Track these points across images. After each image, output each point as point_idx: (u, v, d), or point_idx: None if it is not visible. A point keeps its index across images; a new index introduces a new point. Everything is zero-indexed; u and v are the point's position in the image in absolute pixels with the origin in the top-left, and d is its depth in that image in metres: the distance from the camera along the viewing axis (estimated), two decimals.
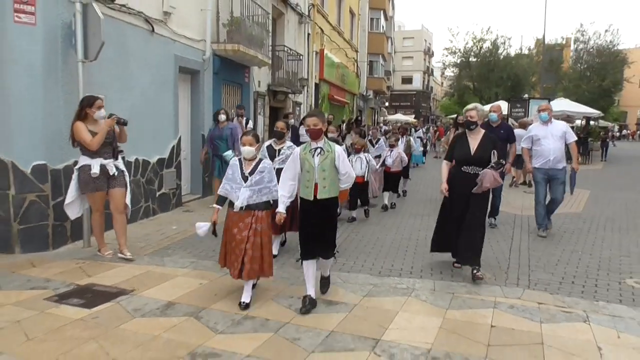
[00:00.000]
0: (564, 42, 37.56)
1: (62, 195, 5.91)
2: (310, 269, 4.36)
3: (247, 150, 4.34)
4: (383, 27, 35.62)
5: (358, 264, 5.87)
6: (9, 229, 5.73)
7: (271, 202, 4.46)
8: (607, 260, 6.12)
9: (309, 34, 17.58)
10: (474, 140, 5.20)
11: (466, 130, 5.33)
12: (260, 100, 13.27)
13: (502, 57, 34.01)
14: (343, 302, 4.53)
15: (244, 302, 4.28)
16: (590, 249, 6.67)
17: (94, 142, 5.36)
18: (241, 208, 4.28)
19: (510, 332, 3.95)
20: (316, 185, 4.21)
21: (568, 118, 20.59)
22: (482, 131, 5.31)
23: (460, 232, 5.20)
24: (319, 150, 4.23)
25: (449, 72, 38.72)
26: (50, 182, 5.92)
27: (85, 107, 5.39)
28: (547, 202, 7.36)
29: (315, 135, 4.24)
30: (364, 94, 31.87)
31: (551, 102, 21.21)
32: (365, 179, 8.09)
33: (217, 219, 4.37)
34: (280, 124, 6.07)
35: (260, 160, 4.47)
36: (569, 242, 6.95)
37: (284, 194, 4.28)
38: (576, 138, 7.50)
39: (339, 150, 4.32)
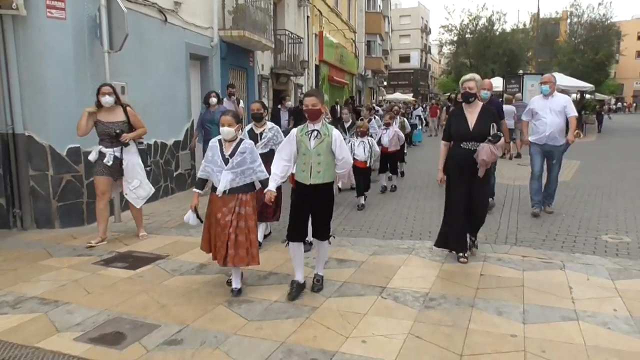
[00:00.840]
0: (559, 16, 37.81)
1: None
2: (298, 252, 4.23)
3: (226, 130, 4.09)
4: (380, 6, 35.88)
5: (364, 230, 6.53)
6: (49, 206, 6.37)
7: (255, 184, 4.28)
8: (587, 221, 6.79)
9: (308, 17, 18.05)
10: (472, 114, 4.89)
11: (463, 103, 5.03)
12: (264, 83, 13.84)
13: (497, 33, 34.36)
14: (352, 260, 5.19)
15: (235, 289, 4.21)
16: (573, 212, 7.33)
17: (78, 128, 5.61)
18: (224, 192, 4.07)
19: (496, 279, 4.61)
20: (311, 169, 4.04)
21: (562, 92, 21.11)
22: (480, 104, 5.00)
23: (467, 216, 5.00)
24: (315, 132, 4.04)
25: (446, 50, 39.02)
26: (83, 163, 6.55)
27: (97, 95, 5.61)
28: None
29: (313, 115, 4.03)
30: (363, 74, 32.31)
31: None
32: (369, 165, 7.81)
33: (197, 203, 4.24)
34: (255, 105, 5.65)
35: (241, 140, 4.21)
36: (554, 207, 7.60)
37: (277, 172, 4.10)
38: (576, 113, 7.15)
39: (337, 133, 4.11)
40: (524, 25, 38.47)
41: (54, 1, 6.10)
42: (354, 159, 7.06)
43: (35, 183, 6.35)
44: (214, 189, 4.17)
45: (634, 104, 67.42)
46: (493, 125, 4.78)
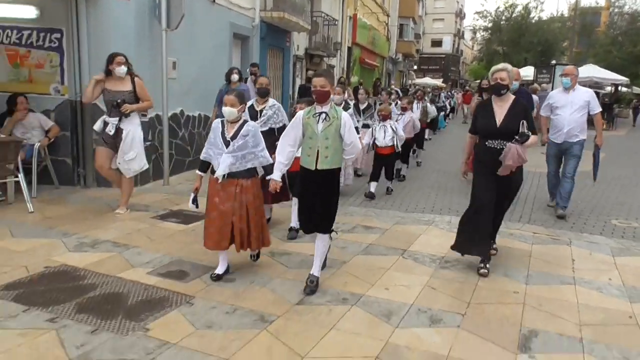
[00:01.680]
0: (601, 5, 37.12)
1: (148, 142, 7.27)
2: (317, 243, 4.03)
3: (228, 111, 3.92)
4: None
5: (388, 204, 7.13)
6: None
7: (257, 169, 4.10)
8: (601, 207, 7.26)
9: (343, 0, 18.45)
10: (501, 109, 4.37)
11: (492, 96, 4.53)
12: (299, 63, 14.43)
13: (533, 21, 34.00)
14: (377, 227, 5.81)
15: (215, 275, 4.10)
16: (589, 199, 7.78)
17: (84, 95, 5.70)
18: (223, 176, 3.92)
19: (507, 249, 5.18)
20: (318, 153, 3.81)
21: (596, 85, 21.13)
22: (512, 97, 4.47)
23: (490, 214, 4.51)
24: (323, 115, 3.81)
25: (479, 36, 38.78)
26: None
27: (108, 64, 5.57)
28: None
29: (321, 97, 3.81)
30: (394, 57, 32.51)
31: (579, 69, 21.74)
32: (395, 150, 7.35)
33: (199, 186, 4.10)
34: (264, 80, 5.44)
35: (245, 122, 4.04)
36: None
37: (282, 160, 3.91)
38: (600, 109, 6.51)
39: (346, 116, 3.87)
40: (562, 14, 37.96)
41: None
42: (375, 144, 7.30)
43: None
44: (213, 171, 4.01)
45: None
46: (523, 123, 4.21)
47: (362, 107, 8.43)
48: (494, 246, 4.93)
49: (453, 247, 4.63)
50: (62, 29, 6.80)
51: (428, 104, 11.80)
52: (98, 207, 6.19)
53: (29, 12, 6.54)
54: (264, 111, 5.24)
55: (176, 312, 3.51)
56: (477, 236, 4.46)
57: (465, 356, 3.10)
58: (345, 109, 6.52)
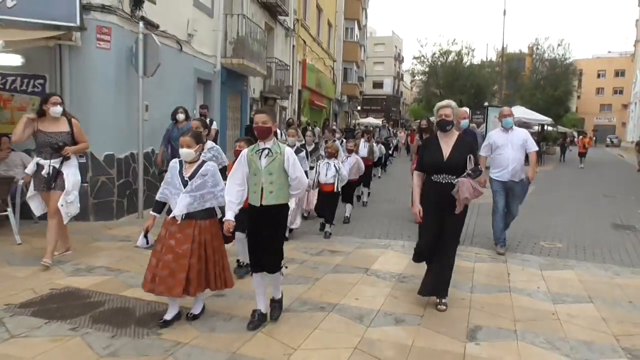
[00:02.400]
0: (526, 51, 40.65)
1: (123, 178, 7.80)
2: (260, 282, 4.06)
3: (185, 152, 3.88)
4: (357, 36, 37.91)
5: (348, 231, 7.91)
6: (87, 203, 7.56)
7: (216, 209, 4.04)
8: (531, 230, 8.33)
9: (293, 46, 19.64)
10: (447, 144, 4.45)
11: (438, 132, 4.59)
12: (255, 105, 15.26)
13: (466, 66, 36.76)
14: (342, 251, 6.57)
15: (191, 314, 4.10)
16: (521, 224, 8.84)
17: (14, 135, 5.41)
18: (181, 217, 3.84)
19: (455, 267, 6.03)
20: (262, 190, 3.83)
21: (525, 124, 23.13)
22: (456, 133, 4.58)
23: (433, 258, 4.64)
24: (266, 151, 3.85)
25: (418, 79, 41.32)
26: (116, 167, 7.78)
27: (42, 104, 5.35)
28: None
29: (262, 133, 3.85)
30: (339, 98, 34.04)
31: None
32: (336, 189, 7.25)
33: (151, 225, 3.96)
34: (195, 123, 5.46)
35: (204, 162, 4.01)
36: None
37: (232, 199, 3.86)
38: (537, 148, 6.90)
39: (289, 152, 3.91)
40: (492, 60, 41.17)
41: (103, 35, 7.41)
42: (319, 182, 7.27)
43: None
44: (169, 212, 3.91)
45: (594, 138, 71.32)
46: (470, 158, 4.33)
47: (309, 149, 7.94)
48: (444, 300, 4.64)
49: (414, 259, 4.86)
50: (46, 76, 7.33)
51: (374, 144, 11.80)
52: (82, 239, 6.60)
53: (15, 60, 7.02)
54: (202, 154, 5.01)
55: (181, 321, 4.09)
56: (428, 273, 4.74)
57: (425, 345, 3.86)
58: (298, 152, 6.27)
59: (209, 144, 5.38)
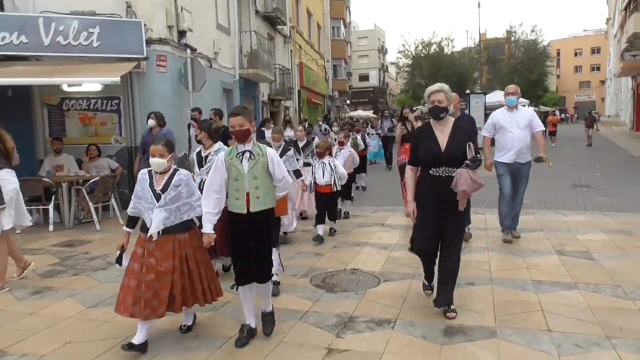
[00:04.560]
0: (504, 37, 43.02)
1: None
2: (248, 295, 3.70)
3: (156, 162, 3.54)
4: (343, 34, 40.03)
5: (362, 203, 10.00)
6: None
7: (194, 220, 3.73)
8: None
9: (291, 51, 21.71)
10: (443, 133, 3.95)
11: (431, 120, 4.09)
12: (265, 107, 17.33)
13: (447, 56, 39.05)
14: (361, 215, 8.65)
15: (185, 326, 3.87)
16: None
17: None
18: (158, 233, 3.51)
19: None
20: (248, 195, 3.51)
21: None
22: (451, 120, 4.07)
23: (438, 260, 4.14)
24: (248, 154, 3.52)
25: (403, 71, 43.59)
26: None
27: None
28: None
29: (240, 137, 3.51)
30: (331, 94, 36.15)
31: (488, 95, 26.07)
32: (334, 189, 6.82)
33: (126, 243, 3.66)
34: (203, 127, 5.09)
35: (175, 171, 3.65)
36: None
37: (209, 210, 3.53)
38: (543, 127, 6.54)
39: (271, 152, 3.65)
40: (474, 44, 43.46)
41: (161, 61, 9.46)
42: (315, 184, 6.89)
43: None
44: (143, 228, 3.60)
45: (576, 115, 73.83)
46: (469, 146, 3.86)
47: (300, 144, 7.79)
48: (452, 307, 4.10)
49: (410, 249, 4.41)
50: (120, 97, 9.36)
51: (358, 136, 11.24)
52: None
53: (96, 87, 9.04)
54: (210, 157, 4.86)
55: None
56: (423, 264, 4.34)
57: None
58: (286, 151, 6.14)
59: (217, 146, 4.97)
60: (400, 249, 6.22)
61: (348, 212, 8.40)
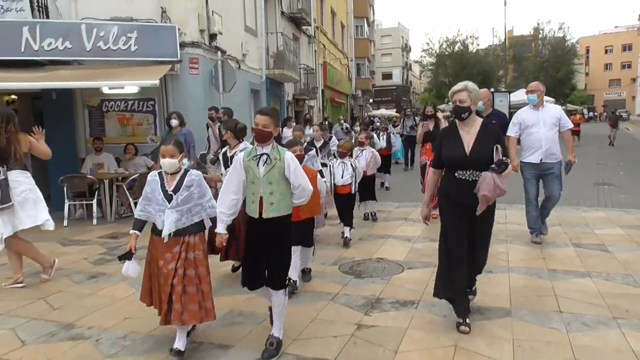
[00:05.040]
0: (530, 35, 42.66)
1: None
2: (262, 293, 3.64)
3: (167, 163, 3.51)
4: (366, 32, 40.29)
5: (385, 199, 10.33)
6: None
7: (205, 222, 3.67)
8: None
9: (315, 51, 22.11)
10: (469, 134, 3.78)
11: (456, 121, 3.93)
12: (290, 106, 17.77)
13: (472, 54, 38.96)
14: (385, 210, 8.99)
15: (176, 349, 3.45)
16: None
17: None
18: (169, 235, 3.46)
19: None
20: (261, 200, 3.43)
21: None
22: (479, 120, 3.88)
23: (466, 266, 3.84)
24: (265, 157, 3.43)
25: (427, 71, 43.63)
26: (207, 164, 10.30)
27: None
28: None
29: (261, 137, 3.42)
30: (354, 93, 36.45)
31: (513, 93, 25.99)
32: (353, 190, 6.58)
33: (134, 246, 3.61)
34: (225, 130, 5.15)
35: (187, 172, 3.60)
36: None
37: (224, 210, 3.49)
38: (572, 125, 6.18)
39: (289, 157, 3.50)
40: (499, 41, 43.21)
41: (193, 64, 9.95)
42: (333, 184, 6.59)
43: None
44: (155, 230, 3.56)
45: (605, 113, 72.34)
46: (497, 148, 3.66)
47: (317, 144, 7.68)
48: (473, 288, 4.25)
49: (435, 295, 3.98)
50: (155, 98, 9.89)
51: (374, 135, 10.76)
52: None
53: (134, 89, 9.56)
54: (235, 157, 4.57)
55: None
56: (454, 287, 3.82)
57: None
58: (307, 150, 5.81)
59: (242, 145, 4.94)
60: (423, 241, 6.57)
61: (375, 213, 8.16)
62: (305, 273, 5.07)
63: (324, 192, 4.90)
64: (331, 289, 4.77)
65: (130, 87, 9.41)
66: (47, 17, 9.38)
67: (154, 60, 9.32)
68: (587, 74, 71.80)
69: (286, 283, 3.61)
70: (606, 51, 76.92)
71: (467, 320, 3.78)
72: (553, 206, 6.44)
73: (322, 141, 7.96)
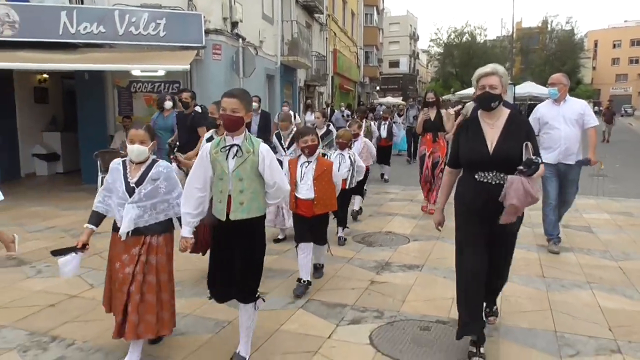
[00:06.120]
0: (537, 27, 42.95)
1: None
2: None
3: (136, 150, 3.05)
4: (376, 20, 40.65)
5: (390, 184, 11.02)
6: None
7: (174, 221, 3.21)
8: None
9: (326, 38, 22.66)
10: (493, 128, 3.15)
11: (479, 111, 3.28)
12: (302, 92, 18.42)
13: (479, 45, 39.37)
14: (392, 192, 9.70)
15: None
16: None
17: None
18: (127, 234, 3.01)
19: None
20: (229, 199, 2.96)
21: (535, 99, 25.58)
22: (505, 111, 3.21)
23: (485, 289, 3.26)
24: (235, 149, 2.93)
25: (435, 60, 44.06)
26: None
27: None
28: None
29: (230, 124, 2.91)
30: (362, 81, 36.96)
31: (518, 86, 26.42)
32: (348, 186, 5.79)
33: (86, 241, 3.14)
34: (211, 107, 4.90)
35: (154, 162, 3.14)
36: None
37: (189, 210, 3.01)
38: (597, 122, 5.48)
39: (264, 150, 3.00)
40: (507, 32, 43.52)
41: (216, 50, 10.59)
42: None
43: None
44: (115, 226, 3.13)
45: (611, 108, 71.92)
46: (527, 145, 3.02)
47: (320, 133, 6.62)
48: (494, 308, 3.70)
49: (457, 337, 3.25)
50: (180, 81, 10.54)
51: (372, 123, 10.37)
52: None
53: (160, 72, 10.22)
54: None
55: None
56: (469, 308, 3.20)
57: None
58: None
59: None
60: (427, 219, 7.24)
61: (361, 209, 7.37)
62: (317, 269, 4.79)
63: (339, 186, 4.59)
64: (346, 254, 5.49)
65: (158, 71, 10.09)
66: (82, 2, 10.02)
67: (180, 46, 9.96)
68: (594, 68, 71.72)
69: (257, 295, 3.13)
70: (614, 45, 76.76)
71: (482, 350, 3.15)
72: (566, 211, 5.98)
73: (324, 129, 7.35)
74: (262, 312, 3.68)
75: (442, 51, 40.56)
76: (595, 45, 74.54)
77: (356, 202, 7.28)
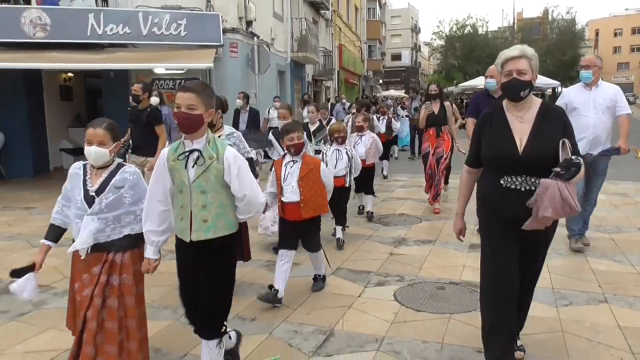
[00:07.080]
0: (538, 17, 43.31)
1: None
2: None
3: (94, 152, 2.57)
4: (378, 14, 41.15)
5: (400, 170, 11.61)
6: None
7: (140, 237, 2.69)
8: None
9: (332, 34, 23.22)
10: (522, 122, 2.62)
11: (505, 102, 2.71)
12: (310, 87, 19.01)
13: (481, 36, 39.80)
14: (401, 180, 10.30)
15: None
16: None
17: None
18: (87, 250, 2.58)
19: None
20: (192, 215, 2.51)
21: (537, 89, 26.22)
22: (537, 102, 2.68)
23: (516, 310, 2.78)
24: (196, 155, 2.47)
25: (437, 53, 44.50)
26: None
27: None
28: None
29: (186, 124, 2.44)
30: (366, 74, 37.51)
31: None
32: (347, 183, 5.55)
33: (41, 260, 2.66)
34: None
35: (119, 167, 2.66)
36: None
37: (152, 228, 2.58)
38: (630, 110, 5.03)
39: (232, 156, 2.51)
40: (508, 24, 43.88)
41: (233, 48, 11.20)
42: None
43: None
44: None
45: None
46: (564, 143, 2.50)
47: (312, 128, 6.41)
48: (520, 344, 3.09)
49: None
50: (199, 78, 11.10)
51: (374, 117, 9.83)
52: None
53: (181, 70, 10.84)
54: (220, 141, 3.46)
55: None
56: (498, 330, 2.72)
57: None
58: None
59: (227, 129, 4.04)
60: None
61: (372, 212, 6.84)
62: (317, 281, 4.24)
63: (331, 186, 4.08)
64: (365, 232, 6.13)
65: (176, 70, 10.73)
66: (107, 5, 10.63)
67: (200, 45, 10.57)
68: (596, 57, 71.83)
69: (224, 330, 2.68)
70: (615, 34, 76.83)
71: None
72: (593, 209, 5.38)
73: (317, 124, 6.58)
74: (298, 278, 4.35)
75: (444, 43, 41.00)
76: (597, 34, 74.67)
77: (369, 203, 6.85)
